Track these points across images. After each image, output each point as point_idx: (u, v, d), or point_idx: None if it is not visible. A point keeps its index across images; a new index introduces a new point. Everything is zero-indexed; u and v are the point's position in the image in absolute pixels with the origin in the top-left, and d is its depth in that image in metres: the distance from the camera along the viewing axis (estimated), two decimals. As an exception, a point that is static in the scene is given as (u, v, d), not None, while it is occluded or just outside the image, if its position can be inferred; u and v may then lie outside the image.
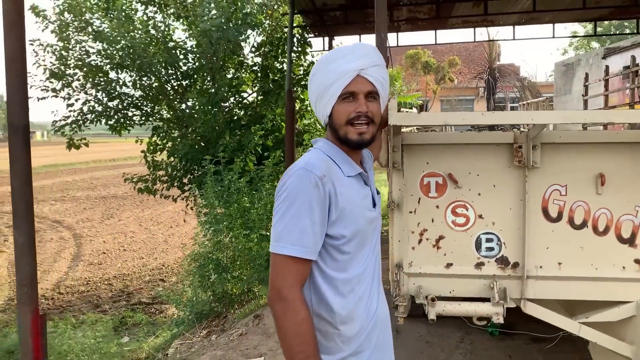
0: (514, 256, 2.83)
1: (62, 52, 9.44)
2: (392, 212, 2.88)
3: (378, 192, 2.01)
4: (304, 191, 1.66)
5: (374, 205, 1.91)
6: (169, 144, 9.92)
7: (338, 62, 1.78)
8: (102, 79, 9.46)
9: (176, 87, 9.97)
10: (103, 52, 9.27)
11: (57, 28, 9.20)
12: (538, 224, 2.80)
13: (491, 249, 2.85)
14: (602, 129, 5.50)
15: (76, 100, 9.47)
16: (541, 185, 2.79)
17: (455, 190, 2.84)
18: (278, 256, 1.68)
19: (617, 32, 24.47)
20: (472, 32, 10.70)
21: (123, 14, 9.33)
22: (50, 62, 9.17)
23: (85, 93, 9.46)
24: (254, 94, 10.15)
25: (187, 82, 9.93)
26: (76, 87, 9.65)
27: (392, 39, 10.73)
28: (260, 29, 9.86)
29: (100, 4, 9.41)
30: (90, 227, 18.41)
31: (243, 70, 10.08)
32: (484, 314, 2.73)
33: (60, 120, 9.54)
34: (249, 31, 9.67)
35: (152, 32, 9.66)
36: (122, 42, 8.99)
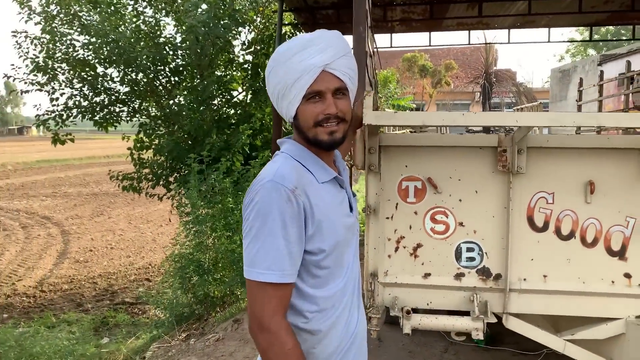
0: (496, 267, 2.66)
1: (50, 44, 9.21)
2: (368, 217, 2.70)
3: (354, 195, 1.83)
4: (275, 208, 1.48)
5: (351, 209, 1.74)
6: (156, 141, 9.70)
7: (298, 56, 1.57)
8: (88, 74, 9.24)
9: (165, 84, 9.77)
10: (91, 46, 9.05)
11: (42, 20, 8.98)
12: (522, 234, 2.63)
13: (472, 259, 2.67)
14: (596, 134, 5.35)
15: (61, 95, 9.25)
16: (526, 192, 2.62)
17: (435, 195, 2.66)
18: (254, 283, 1.50)
19: (614, 39, 24.44)
20: (467, 35, 10.55)
21: (112, 7, 9.12)
22: (34, 55, 8.94)
23: (71, 87, 9.24)
24: (244, 93, 9.95)
25: (176, 78, 9.73)
26: (63, 81, 9.44)
27: (385, 39, 10.59)
28: (252, 26, 9.67)
29: (88, -4, 9.19)
30: (79, 224, 18.18)
31: (233, 68, 9.88)
32: (463, 329, 2.55)
33: (43, 115, 9.31)
34: (240, 28, 9.48)
35: (143, 27, 9.46)
36: (111, 36, 8.79)
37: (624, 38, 28.22)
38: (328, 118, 1.58)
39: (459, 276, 2.67)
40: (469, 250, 2.66)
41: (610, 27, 32.12)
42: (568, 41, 33.99)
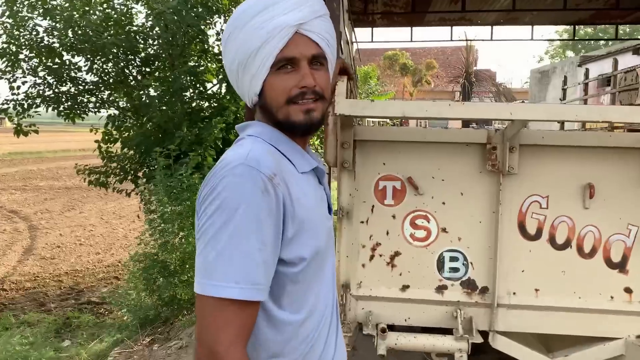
0: (482, 279, 2.36)
1: (13, 30, 8.71)
2: (341, 221, 2.39)
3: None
4: (247, 199, 1.11)
5: (329, 210, 1.40)
6: (126, 133, 9.27)
7: (265, 14, 1.22)
8: (54, 62, 8.76)
9: (135, 74, 9.34)
10: (57, 33, 8.57)
11: (4, 3, 8.48)
12: (513, 242, 2.34)
13: (456, 269, 2.38)
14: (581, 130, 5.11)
15: (23, 83, 8.75)
16: (518, 195, 2.33)
17: (416, 197, 2.36)
18: (210, 300, 1.10)
19: (596, 39, 24.61)
20: (450, 32, 10.30)
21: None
22: (-7, 39, 8.44)
23: (34, 75, 8.74)
24: (218, 85, 9.57)
25: (147, 69, 9.30)
26: (27, 68, 8.95)
27: (367, 34, 10.33)
28: (227, 16, 9.27)
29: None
30: (48, 218, 17.61)
31: (208, 59, 9.47)
32: (445, 350, 2.26)
33: (2, 103, 8.80)
34: (215, 17, 9.09)
35: (112, 13, 9.02)
36: (79, 21, 8.33)
37: (606, 37, 28.46)
38: (304, 93, 1.24)
39: (441, 289, 2.38)
40: (453, 259, 2.37)
41: (589, 30, 32.42)
42: (551, 39, 34.27)
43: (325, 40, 1.29)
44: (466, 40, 27.06)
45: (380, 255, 2.40)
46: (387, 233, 2.38)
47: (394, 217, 2.37)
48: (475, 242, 2.36)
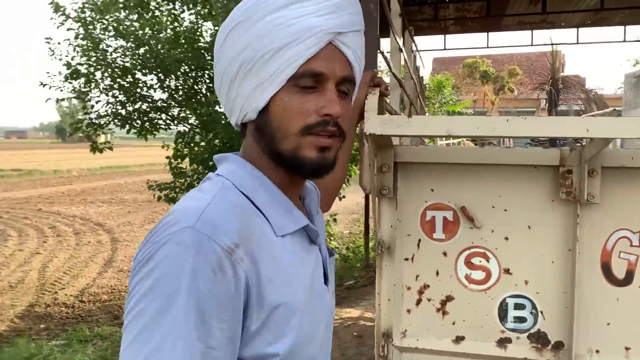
0: (556, 333, 1.92)
1: (91, 52, 9.05)
2: (381, 258, 2.02)
3: (331, 254, 1.12)
4: (191, 282, 0.79)
5: (326, 280, 1.05)
6: (195, 149, 9.37)
7: (296, 9, 0.91)
8: (126, 80, 9.00)
9: (204, 91, 9.43)
10: (129, 52, 8.80)
11: (81, 26, 8.80)
12: (595, 287, 1.89)
13: (522, 319, 1.95)
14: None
15: (97, 102, 9.05)
16: (601, 229, 1.87)
17: (472, 231, 1.96)
18: None
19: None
20: (530, 36, 9.65)
21: (149, 13, 8.84)
22: (67, 62, 8.74)
23: (107, 94, 9.00)
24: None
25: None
26: (104, 88, 9.26)
27: (439, 41, 9.89)
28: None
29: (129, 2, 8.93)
30: (129, 231, 18.30)
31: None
32: (507, 422, 1.84)
33: (76, 122, 9.15)
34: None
35: (182, 29, 9.16)
36: (151, 41, 8.51)
37: None
38: (326, 123, 0.92)
39: (503, 342, 1.95)
40: (518, 307, 1.94)
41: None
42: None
43: (359, 62, 0.98)
44: (551, 44, 25.77)
45: (429, 300, 2.01)
46: (437, 273, 2.00)
47: (445, 254, 1.99)
48: (546, 287, 1.92)
